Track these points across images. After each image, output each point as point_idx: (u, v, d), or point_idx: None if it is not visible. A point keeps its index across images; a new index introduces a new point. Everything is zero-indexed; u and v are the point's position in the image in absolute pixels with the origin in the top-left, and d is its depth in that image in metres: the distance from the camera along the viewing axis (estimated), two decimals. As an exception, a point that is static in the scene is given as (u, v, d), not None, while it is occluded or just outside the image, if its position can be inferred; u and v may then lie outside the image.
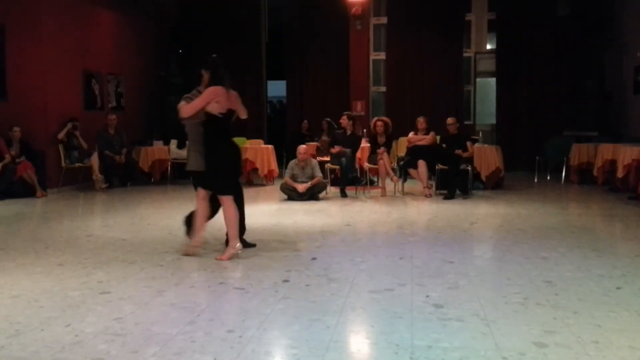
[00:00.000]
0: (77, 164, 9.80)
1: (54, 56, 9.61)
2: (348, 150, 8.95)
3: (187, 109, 4.77)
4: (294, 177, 8.48)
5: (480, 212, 7.41)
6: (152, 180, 10.74)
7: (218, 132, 4.82)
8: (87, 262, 4.78)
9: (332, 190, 9.05)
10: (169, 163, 10.85)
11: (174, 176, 11.00)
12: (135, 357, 2.87)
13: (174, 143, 11.02)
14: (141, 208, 7.99)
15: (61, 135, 9.53)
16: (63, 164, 9.59)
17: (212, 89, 4.72)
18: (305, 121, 12.50)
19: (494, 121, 12.75)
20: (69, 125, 9.60)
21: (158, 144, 10.87)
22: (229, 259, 4.79)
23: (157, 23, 12.69)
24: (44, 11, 9.41)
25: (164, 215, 7.23)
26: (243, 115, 4.98)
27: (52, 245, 5.47)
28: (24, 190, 8.72)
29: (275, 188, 9.55)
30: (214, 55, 5.00)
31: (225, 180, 4.91)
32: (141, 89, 12.15)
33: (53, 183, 9.41)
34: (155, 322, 3.36)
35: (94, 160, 9.85)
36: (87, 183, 9.93)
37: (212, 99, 4.68)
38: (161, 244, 5.49)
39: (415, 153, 8.87)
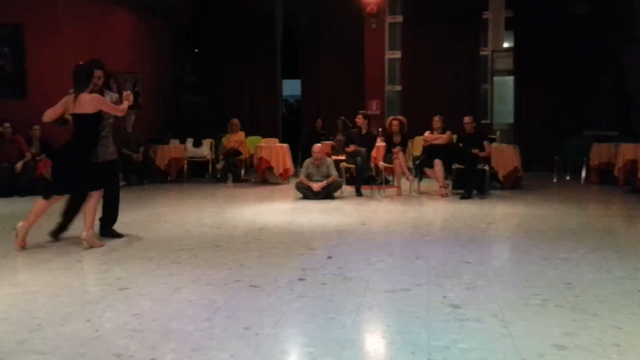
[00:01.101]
0: (95, 162, 9.88)
1: (73, 56, 9.65)
2: (363, 149, 8.93)
3: (47, 113, 5.28)
4: (309, 176, 8.48)
5: (497, 212, 7.35)
6: (169, 178, 10.81)
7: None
8: (105, 259, 4.83)
9: (348, 189, 9.04)
10: (185, 161, 10.92)
11: (190, 174, 11.07)
12: (154, 353, 2.89)
13: (190, 141, 11.09)
14: (158, 206, 8.05)
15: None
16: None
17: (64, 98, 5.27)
18: (319, 120, 12.50)
19: (511, 120, 12.65)
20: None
21: (174, 143, 10.95)
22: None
23: (172, 23, 12.77)
24: (61, 12, 9.52)
25: (181, 213, 7.27)
26: (116, 113, 5.41)
27: (71, 241, 5.52)
28: (44, 188, 8.80)
29: (290, 187, 9.57)
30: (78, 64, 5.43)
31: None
32: (157, 88, 12.24)
33: (71, 180, 9.49)
34: (173, 318, 3.38)
35: (112, 158, 9.93)
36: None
37: (63, 105, 5.22)
38: (177, 241, 5.52)
39: (431, 152, 8.82)
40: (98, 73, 5.41)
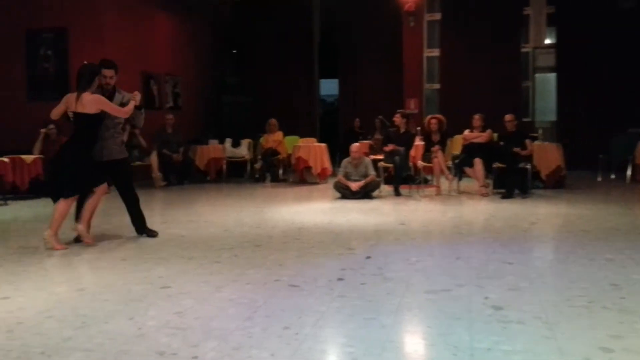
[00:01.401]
0: (137, 163, 10.11)
1: (115, 58, 9.87)
2: (402, 149, 8.86)
3: (53, 110, 5.34)
4: (347, 176, 8.47)
5: (540, 212, 7.18)
6: (208, 178, 10.96)
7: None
8: (148, 258, 4.92)
9: (386, 188, 8.98)
10: (224, 161, 11.05)
11: (229, 174, 11.20)
12: (196, 351, 2.93)
13: (228, 142, 11.22)
14: (197, 205, 8.17)
15: (125, 139, 9.82)
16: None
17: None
18: (357, 119, 12.46)
19: (553, 118, 12.35)
20: (128, 127, 9.90)
21: (213, 143, 11.09)
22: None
23: (212, 24, 12.95)
24: (105, 15, 9.77)
25: (220, 212, 7.36)
26: (119, 114, 5.34)
27: (114, 240, 5.67)
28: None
29: (328, 186, 9.57)
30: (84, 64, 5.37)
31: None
32: (197, 89, 12.43)
33: (114, 181, 9.73)
34: (214, 317, 3.43)
35: (153, 158, 10.14)
36: (146, 181, 10.23)
37: (65, 103, 5.23)
38: (217, 241, 5.59)
39: (471, 151, 8.69)
40: (109, 72, 5.37)
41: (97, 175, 5.31)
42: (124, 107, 5.36)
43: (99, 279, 4.29)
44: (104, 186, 5.40)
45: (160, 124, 10.53)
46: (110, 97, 5.39)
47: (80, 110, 5.09)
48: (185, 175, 10.67)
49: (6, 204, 8.13)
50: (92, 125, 5.20)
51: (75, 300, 3.81)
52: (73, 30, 9.66)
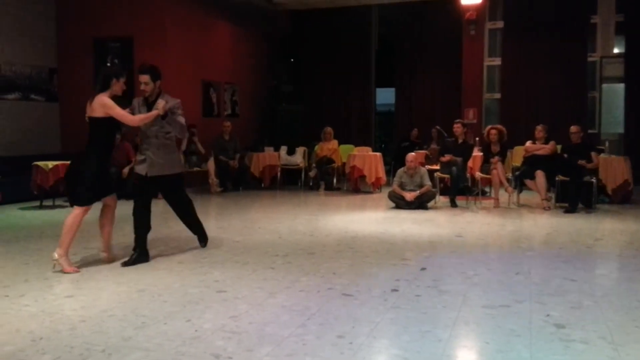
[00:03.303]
0: (195, 168, 10.34)
1: (177, 67, 10.24)
2: (459, 159, 8.70)
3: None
4: (402, 185, 8.37)
5: (605, 228, 6.88)
6: (263, 185, 11.08)
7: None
8: (204, 261, 5.01)
9: (442, 199, 8.83)
10: (279, 169, 11.15)
11: (283, 182, 11.29)
12: (250, 355, 2.94)
13: (284, 149, 11.32)
14: (252, 212, 8.26)
15: (183, 147, 10.10)
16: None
17: None
18: (416, 129, 12.32)
19: (621, 130, 11.82)
20: (187, 134, 10.15)
21: (269, 150, 11.21)
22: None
23: (269, 34, 13.14)
24: (169, 24, 10.08)
25: (274, 219, 7.41)
26: (126, 122, 4.86)
27: (172, 243, 5.80)
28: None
29: (382, 196, 9.49)
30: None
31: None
32: (254, 97, 12.63)
33: (173, 186, 9.99)
34: (268, 322, 3.44)
35: (210, 164, 10.35)
36: (203, 186, 10.45)
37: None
38: (271, 247, 5.63)
39: (532, 163, 8.42)
40: (144, 78, 4.94)
41: (106, 186, 4.94)
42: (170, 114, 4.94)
43: (157, 281, 4.39)
44: (112, 199, 5.00)
45: (218, 131, 10.75)
46: (152, 104, 4.97)
47: (89, 113, 4.79)
48: (241, 182, 10.83)
49: (71, 206, 8.44)
50: (100, 131, 4.78)
51: (136, 300, 3.91)
52: (138, 40, 10.00)
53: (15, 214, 7.87)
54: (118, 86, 4.81)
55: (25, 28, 9.76)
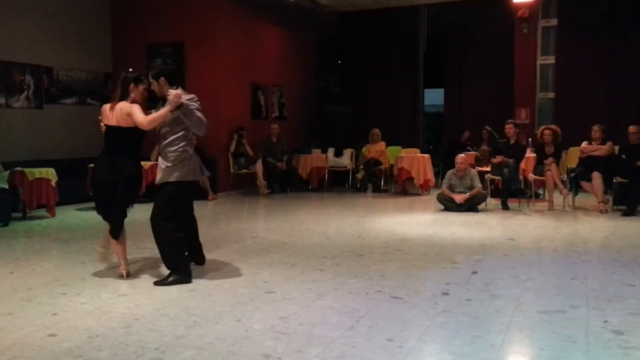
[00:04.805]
0: (243, 170, 10.48)
1: (227, 70, 10.40)
2: (511, 161, 8.49)
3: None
4: (451, 187, 8.24)
5: (666, 232, 6.58)
6: (310, 187, 11.11)
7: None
8: (253, 262, 5.06)
9: (492, 202, 8.64)
10: (326, 170, 11.16)
11: (331, 183, 11.30)
12: (300, 356, 2.95)
13: (331, 151, 11.33)
14: (300, 213, 8.30)
15: (232, 149, 10.27)
16: (232, 170, 10.33)
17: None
18: (467, 131, 12.10)
19: (684, 130, 11.26)
20: (236, 136, 10.31)
21: (316, 152, 11.24)
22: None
23: (317, 36, 13.18)
24: (219, 29, 10.24)
25: (321, 221, 7.42)
26: (141, 125, 4.38)
27: (222, 244, 5.88)
28: (197, 194, 9.49)
29: (430, 198, 9.37)
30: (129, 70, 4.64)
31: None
32: (301, 99, 12.69)
33: (222, 187, 10.16)
34: (317, 324, 3.44)
35: (258, 166, 10.46)
36: (251, 188, 10.57)
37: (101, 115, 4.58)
38: (319, 249, 5.63)
39: (589, 164, 8.14)
40: (164, 81, 4.52)
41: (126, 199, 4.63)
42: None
43: (208, 281, 4.46)
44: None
45: (266, 133, 10.85)
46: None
47: (111, 122, 4.47)
48: (289, 184, 10.89)
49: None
50: (125, 141, 4.51)
51: (187, 299, 3.98)
52: (189, 45, 10.22)
53: (73, 215, 8.16)
54: (137, 92, 4.47)
55: (81, 35, 10.11)
